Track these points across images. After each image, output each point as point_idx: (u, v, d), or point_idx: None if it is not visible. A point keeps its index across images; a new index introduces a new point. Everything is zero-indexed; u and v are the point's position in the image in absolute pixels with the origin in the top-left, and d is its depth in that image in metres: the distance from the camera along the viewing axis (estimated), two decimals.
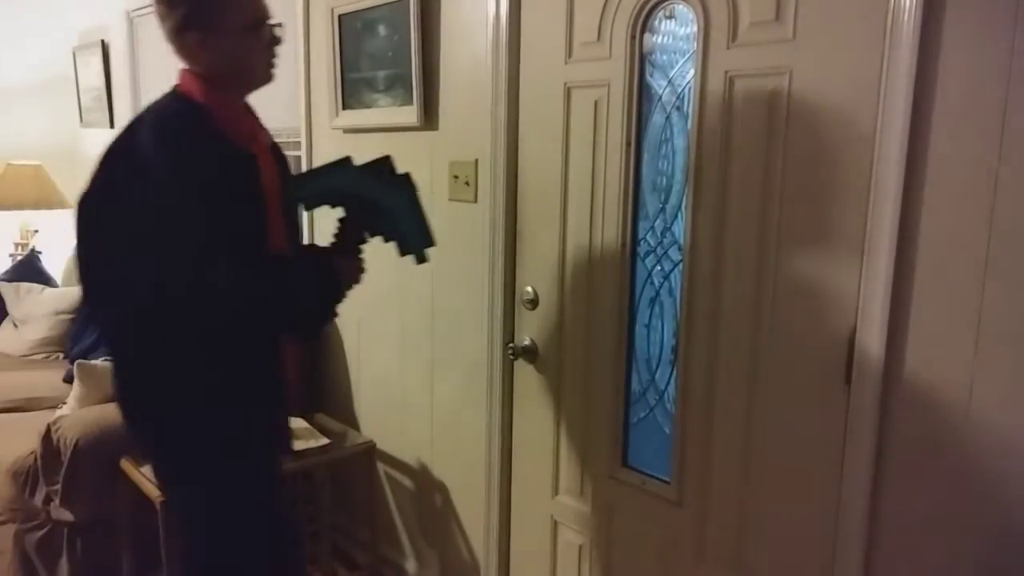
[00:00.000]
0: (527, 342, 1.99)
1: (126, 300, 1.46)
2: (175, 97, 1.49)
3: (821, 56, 1.38)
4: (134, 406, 1.57)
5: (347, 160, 1.49)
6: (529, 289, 1.96)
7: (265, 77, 1.57)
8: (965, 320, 1.25)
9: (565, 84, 1.81)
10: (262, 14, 1.51)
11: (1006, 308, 1.21)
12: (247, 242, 1.41)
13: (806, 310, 1.45)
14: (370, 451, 2.43)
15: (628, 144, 1.71)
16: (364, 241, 1.54)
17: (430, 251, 1.54)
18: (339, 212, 1.53)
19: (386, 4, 2.16)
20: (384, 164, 1.50)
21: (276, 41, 1.55)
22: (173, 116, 1.45)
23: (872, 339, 1.35)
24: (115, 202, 1.45)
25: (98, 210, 1.49)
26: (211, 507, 1.58)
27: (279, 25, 1.55)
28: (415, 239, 1.52)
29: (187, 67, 1.51)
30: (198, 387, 1.49)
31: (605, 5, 1.71)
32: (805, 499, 1.49)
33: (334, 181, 1.50)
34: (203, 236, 1.36)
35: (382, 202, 1.49)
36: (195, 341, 1.45)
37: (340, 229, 1.53)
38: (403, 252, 1.53)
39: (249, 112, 1.63)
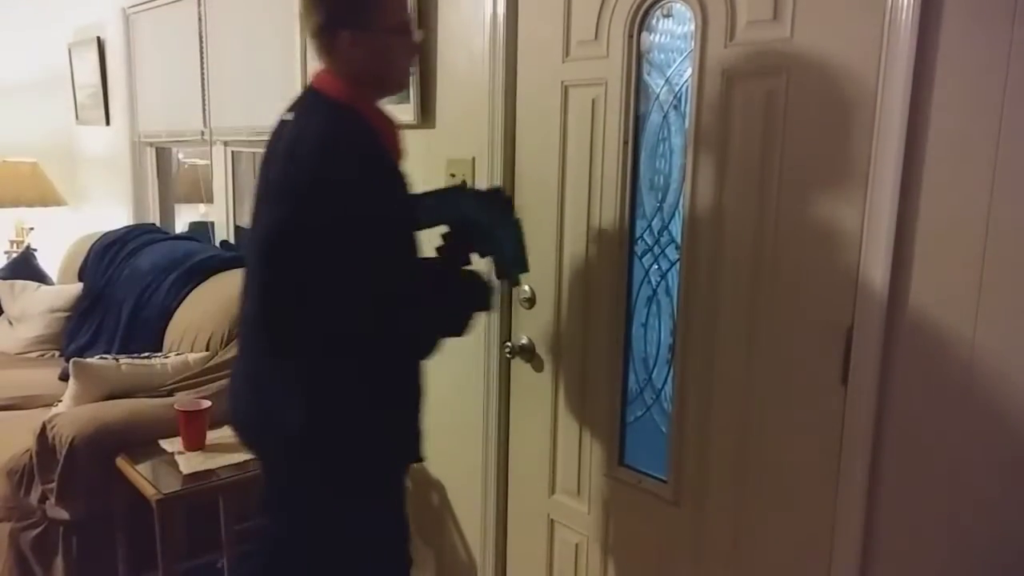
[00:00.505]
0: (524, 341, 1.99)
1: (323, 322, 1.39)
2: (332, 107, 1.42)
3: (818, 55, 1.38)
4: (301, 428, 1.45)
5: (464, 185, 1.63)
6: (526, 288, 1.96)
7: (403, 83, 1.58)
8: (963, 319, 1.25)
9: (562, 83, 1.81)
10: (407, 18, 1.50)
11: (1004, 310, 1.21)
12: (414, 253, 1.45)
13: (803, 309, 1.45)
14: None
15: (625, 143, 1.71)
16: (469, 262, 1.59)
17: (523, 276, 1.67)
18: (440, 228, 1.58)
19: None
20: (499, 194, 1.70)
21: (417, 48, 1.57)
22: (348, 133, 1.39)
23: (869, 339, 1.35)
24: (302, 230, 1.36)
25: (283, 240, 1.38)
26: (363, 520, 1.58)
27: (420, 31, 1.54)
28: (515, 264, 1.61)
29: (328, 68, 1.45)
30: (374, 399, 1.48)
31: (603, 4, 1.71)
32: (802, 498, 1.49)
33: (453, 204, 1.57)
34: (391, 250, 1.38)
35: (495, 229, 1.58)
36: (371, 351, 1.44)
37: (446, 246, 1.58)
38: (499, 275, 1.64)
39: (390, 116, 1.55)
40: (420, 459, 1.61)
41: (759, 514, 1.57)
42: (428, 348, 1.51)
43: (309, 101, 1.47)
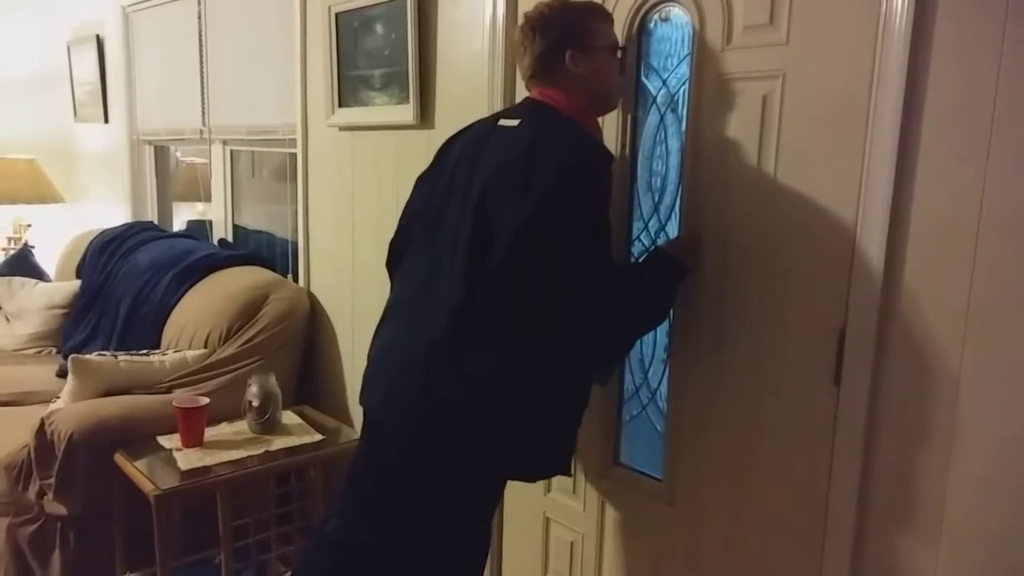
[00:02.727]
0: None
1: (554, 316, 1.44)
2: (566, 120, 1.51)
3: (814, 59, 1.40)
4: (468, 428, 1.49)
5: None
6: None
7: (615, 102, 1.65)
8: (953, 319, 1.27)
9: None
10: (616, 39, 1.59)
11: (994, 312, 1.23)
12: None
13: (796, 310, 1.47)
14: None
15: (623, 145, 1.72)
16: None
17: None
18: None
19: (383, 3, 2.17)
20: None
21: (624, 64, 1.64)
22: (590, 145, 1.50)
23: (861, 340, 1.37)
24: (553, 227, 1.41)
25: (536, 237, 1.41)
26: (466, 540, 1.63)
27: (625, 51, 1.63)
28: None
29: (550, 87, 1.54)
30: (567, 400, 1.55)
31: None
32: (795, 497, 1.51)
33: None
34: (609, 249, 1.48)
35: None
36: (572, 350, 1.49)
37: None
38: None
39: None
40: (569, 472, 1.64)
41: (752, 513, 1.58)
42: (627, 341, 1.61)
43: (538, 113, 1.53)
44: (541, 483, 2.01)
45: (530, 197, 1.39)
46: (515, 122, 1.53)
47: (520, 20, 1.59)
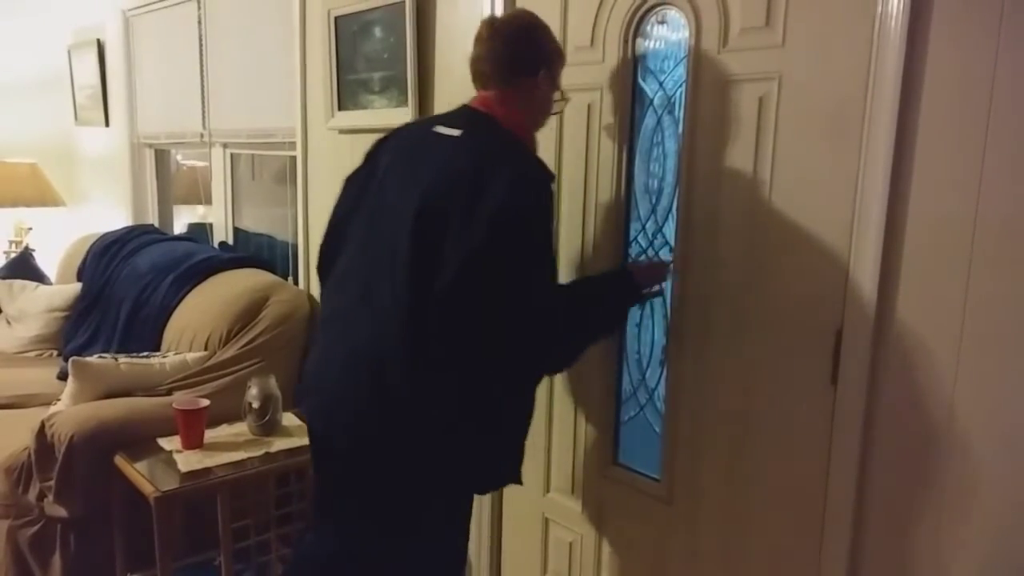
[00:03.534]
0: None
1: (498, 335, 1.44)
2: (510, 136, 1.53)
3: (810, 61, 1.41)
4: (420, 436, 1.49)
5: None
6: None
7: (536, 132, 1.65)
8: (950, 318, 1.28)
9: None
10: (560, 81, 1.63)
11: (989, 312, 1.24)
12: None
13: (794, 310, 1.48)
14: None
15: (620, 147, 1.73)
16: None
17: None
18: None
19: (382, 6, 2.18)
20: None
21: (555, 112, 1.68)
22: (535, 166, 1.52)
23: (858, 340, 1.38)
24: (501, 251, 1.41)
25: (482, 262, 1.41)
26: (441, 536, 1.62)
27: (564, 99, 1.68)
28: None
29: (499, 97, 1.54)
30: (510, 412, 1.56)
31: (598, 10, 1.73)
32: (792, 496, 1.51)
33: None
34: (554, 268, 1.53)
35: None
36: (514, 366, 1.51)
37: None
38: None
39: None
40: (520, 480, 1.64)
41: (750, 513, 1.59)
42: (573, 357, 1.61)
43: (481, 125, 1.52)
44: (539, 484, 2.02)
45: (479, 222, 1.37)
46: (455, 132, 1.50)
47: (501, 19, 1.61)
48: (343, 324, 1.57)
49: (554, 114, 1.66)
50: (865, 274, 1.35)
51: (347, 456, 1.57)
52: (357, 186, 1.66)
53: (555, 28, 1.81)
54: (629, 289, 1.62)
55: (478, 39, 1.56)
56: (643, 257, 1.76)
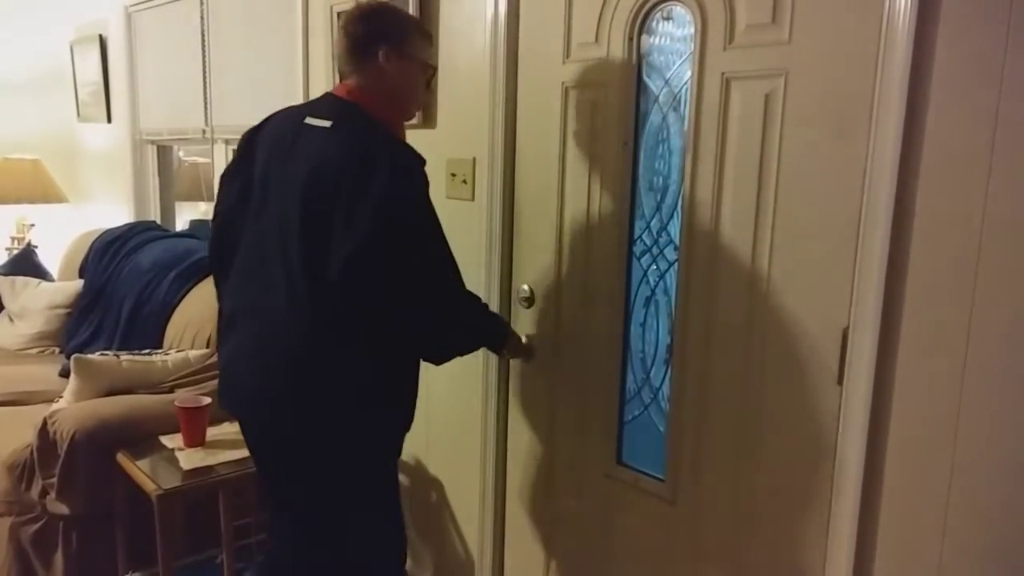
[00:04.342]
0: (523, 340, 2.00)
1: (393, 319, 1.52)
2: (367, 119, 1.54)
3: (817, 58, 1.40)
4: (326, 414, 1.56)
5: None
6: (525, 287, 1.97)
7: (412, 114, 1.72)
8: (957, 318, 1.27)
9: (563, 84, 1.82)
10: (434, 62, 1.65)
11: (997, 310, 1.23)
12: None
13: (800, 309, 1.47)
14: None
15: (625, 144, 1.72)
16: None
17: None
18: None
19: (385, 1, 2.17)
20: None
21: (431, 90, 1.70)
22: (406, 154, 1.53)
23: (865, 339, 1.36)
24: (386, 244, 1.46)
25: (369, 255, 1.46)
26: (373, 512, 1.69)
27: (435, 73, 1.68)
28: None
29: (358, 82, 1.57)
30: (405, 387, 1.64)
31: (603, 7, 1.72)
32: (798, 496, 1.50)
33: None
34: (449, 253, 1.55)
35: None
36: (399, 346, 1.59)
37: None
38: None
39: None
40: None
41: (756, 513, 1.58)
42: (454, 350, 1.69)
43: (350, 114, 1.54)
44: (543, 483, 2.01)
45: (363, 219, 1.41)
46: (326, 123, 1.52)
47: (350, 9, 1.62)
48: (249, 319, 1.62)
49: (424, 99, 1.68)
50: (872, 272, 1.34)
51: (275, 444, 1.65)
52: (235, 181, 1.67)
53: (559, 25, 1.81)
54: (500, 340, 1.81)
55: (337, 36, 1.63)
56: (647, 256, 1.74)
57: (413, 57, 1.60)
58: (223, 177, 1.71)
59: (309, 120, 1.55)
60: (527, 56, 1.91)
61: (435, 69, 1.65)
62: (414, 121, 2.15)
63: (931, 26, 1.26)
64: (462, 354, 1.72)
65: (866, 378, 1.37)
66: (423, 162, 1.53)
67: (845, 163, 1.37)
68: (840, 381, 1.41)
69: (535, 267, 1.96)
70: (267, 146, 1.61)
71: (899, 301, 1.33)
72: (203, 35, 3.24)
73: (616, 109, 1.72)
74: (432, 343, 1.62)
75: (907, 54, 1.27)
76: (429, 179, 1.54)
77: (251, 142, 1.66)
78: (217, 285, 1.77)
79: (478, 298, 1.71)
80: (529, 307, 1.98)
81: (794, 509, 1.51)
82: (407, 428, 1.69)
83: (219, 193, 1.73)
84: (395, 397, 1.63)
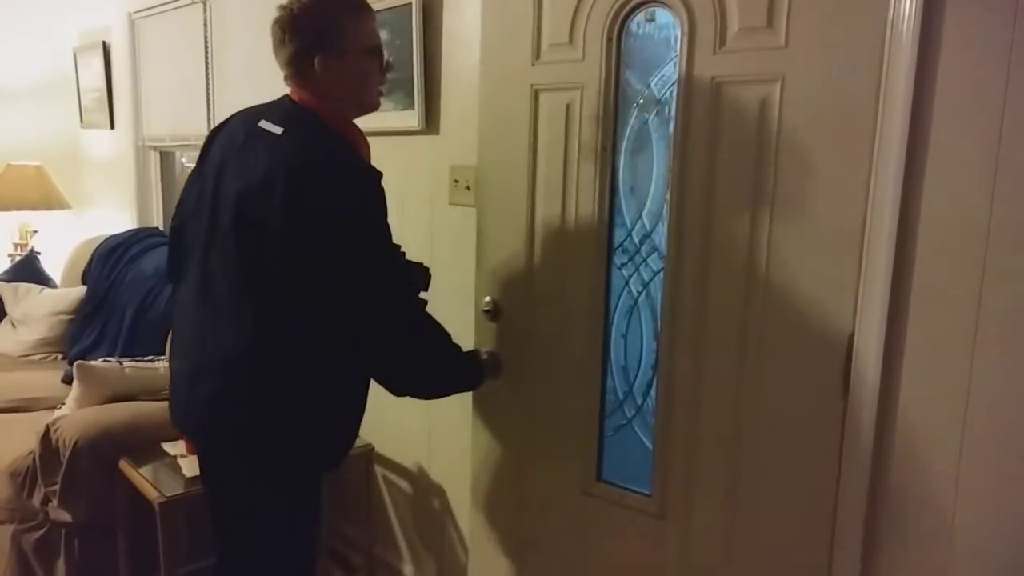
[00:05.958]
0: (484, 357, 1.90)
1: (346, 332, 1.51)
2: (326, 129, 1.51)
3: (816, 64, 1.37)
4: (271, 410, 1.54)
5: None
6: (487, 298, 1.89)
7: (375, 102, 1.63)
8: (963, 326, 1.26)
9: (532, 86, 1.76)
10: (377, 40, 1.57)
11: (1003, 318, 1.22)
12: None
13: (799, 316, 1.44)
14: (368, 454, 2.43)
15: (603, 149, 1.67)
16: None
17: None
18: None
19: (388, 9, 2.17)
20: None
21: (388, 67, 1.64)
22: (344, 156, 1.50)
23: (870, 348, 1.35)
24: (337, 254, 1.45)
25: (320, 266, 1.45)
26: (298, 511, 1.67)
27: (382, 52, 1.61)
28: None
29: (303, 94, 1.54)
30: (338, 390, 1.59)
31: (577, 6, 1.66)
32: (798, 510, 1.47)
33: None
34: (381, 266, 1.52)
35: None
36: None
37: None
38: None
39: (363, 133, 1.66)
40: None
41: (753, 527, 1.54)
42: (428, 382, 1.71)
43: (303, 122, 1.52)
44: (513, 504, 1.94)
45: (304, 229, 1.40)
46: (278, 130, 1.49)
47: (277, 13, 1.53)
48: (197, 328, 1.59)
49: (383, 81, 1.61)
50: (877, 281, 1.33)
51: (221, 454, 1.63)
52: (195, 184, 1.64)
53: (527, 23, 1.75)
54: (473, 374, 1.80)
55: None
56: (629, 265, 1.70)
57: (353, 50, 1.51)
58: (188, 179, 1.69)
59: (263, 124, 1.52)
60: (490, 57, 1.85)
61: (380, 48, 1.55)
62: (416, 127, 2.16)
63: (936, 30, 1.25)
64: (437, 391, 1.73)
65: (871, 388, 1.35)
66: (377, 174, 1.48)
67: (848, 169, 1.35)
68: (845, 391, 1.39)
69: (501, 278, 1.88)
70: (221, 150, 1.58)
71: (905, 309, 1.32)
72: (206, 41, 3.24)
73: (593, 113, 1.66)
74: (391, 368, 1.60)
75: (912, 59, 1.26)
76: (386, 192, 1.50)
77: (211, 142, 1.64)
78: (173, 293, 1.75)
79: (446, 334, 1.65)
80: (493, 320, 1.90)
81: (796, 523, 1.48)
82: (350, 437, 1.66)
83: (181, 195, 1.70)
84: (342, 404, 1.60)
